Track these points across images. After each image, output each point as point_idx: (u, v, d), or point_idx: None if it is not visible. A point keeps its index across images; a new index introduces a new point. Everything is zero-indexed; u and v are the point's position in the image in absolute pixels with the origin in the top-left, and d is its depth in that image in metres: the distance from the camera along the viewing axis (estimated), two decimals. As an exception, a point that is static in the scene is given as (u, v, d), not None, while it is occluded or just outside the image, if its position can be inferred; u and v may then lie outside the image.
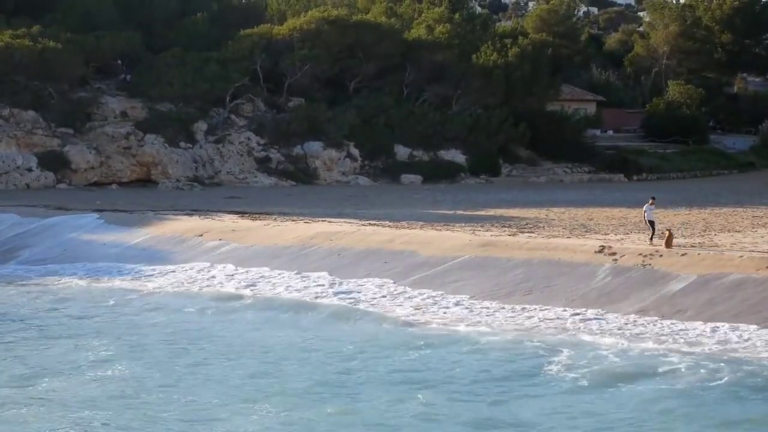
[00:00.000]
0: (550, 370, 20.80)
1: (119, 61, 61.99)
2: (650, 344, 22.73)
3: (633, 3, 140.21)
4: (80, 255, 36.04)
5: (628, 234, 33.17)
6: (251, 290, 29.82)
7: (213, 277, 31.95)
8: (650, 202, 30.68)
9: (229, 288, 30.35)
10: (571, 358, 21.55)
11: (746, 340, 22.82)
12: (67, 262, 35.29)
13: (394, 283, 29.55)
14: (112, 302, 28.78)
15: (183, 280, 31.63)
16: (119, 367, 21.20)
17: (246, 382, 20.08)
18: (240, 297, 29.17)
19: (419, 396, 19.03)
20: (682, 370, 20.59)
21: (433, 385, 19.88)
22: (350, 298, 28.32)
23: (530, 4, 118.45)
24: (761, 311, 24.41)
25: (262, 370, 21.08)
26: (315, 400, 18.82)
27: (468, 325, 24.94)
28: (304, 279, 30.76)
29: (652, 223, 30.38)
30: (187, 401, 18.87)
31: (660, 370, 20.68)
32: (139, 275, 32.61)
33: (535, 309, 26.31)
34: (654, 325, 24.39)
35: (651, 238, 30.12)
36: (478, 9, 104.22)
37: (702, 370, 20.45)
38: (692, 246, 29.51)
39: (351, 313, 26.72)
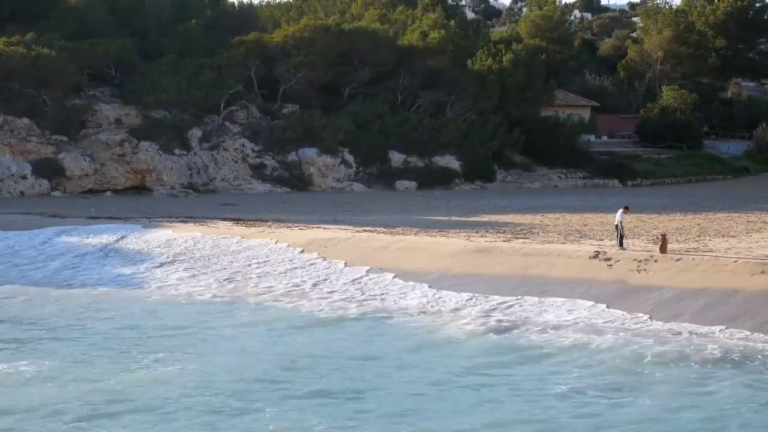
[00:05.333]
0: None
1: (112, 70, 61.66)
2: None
3: (627, 8, 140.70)
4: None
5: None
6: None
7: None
8: (623, 210, 30.66)
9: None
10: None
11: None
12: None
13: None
14: None
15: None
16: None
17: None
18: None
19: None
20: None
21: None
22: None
23: (524, 9, 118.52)
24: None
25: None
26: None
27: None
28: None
29: (617, 228, 30.37)
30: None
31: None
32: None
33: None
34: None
35: (620, 243, 30.10)
36: (472, 14, 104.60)
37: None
38: (687, 251, 29.55)
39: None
